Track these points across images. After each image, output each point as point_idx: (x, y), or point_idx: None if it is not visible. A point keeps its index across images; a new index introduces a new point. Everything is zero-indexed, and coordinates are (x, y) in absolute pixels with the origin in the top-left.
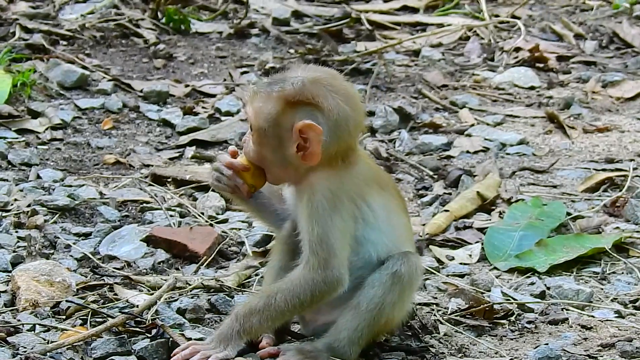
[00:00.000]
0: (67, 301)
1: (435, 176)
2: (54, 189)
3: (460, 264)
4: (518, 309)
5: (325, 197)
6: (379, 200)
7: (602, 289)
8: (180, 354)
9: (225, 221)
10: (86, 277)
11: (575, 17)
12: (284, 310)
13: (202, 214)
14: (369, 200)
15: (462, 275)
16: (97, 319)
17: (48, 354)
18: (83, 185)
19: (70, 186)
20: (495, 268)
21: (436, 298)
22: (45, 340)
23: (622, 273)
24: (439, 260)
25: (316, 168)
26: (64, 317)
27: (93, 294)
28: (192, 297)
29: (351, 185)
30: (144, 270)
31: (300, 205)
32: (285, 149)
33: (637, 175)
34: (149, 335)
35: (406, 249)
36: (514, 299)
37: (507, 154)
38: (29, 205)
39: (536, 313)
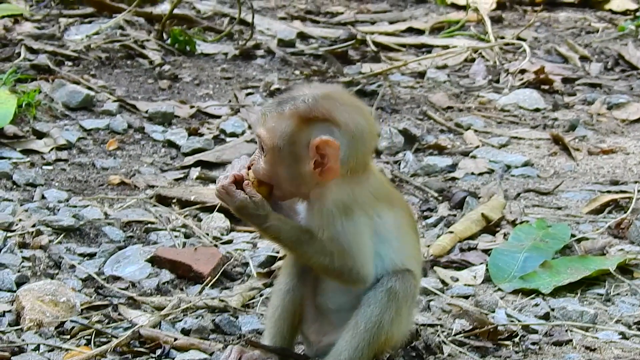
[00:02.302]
0: (71, 321)
1: (440, 198)
2: (58, 210)
3: (465, 285)
4: (522, 330)
5: (336, 206)
6: (389, 214)
7: (606, 310)
8: None
9: (229, 242)
10: (91, 297)
11: (580, 39)
12: (300, 256)
13: (207, 234)
14: (379, 213)
15: (466, 297)
16: (102, 339)
17: None
18: (88, 205)
19: (75, 206)
20: (499, 289)
21: (440, 319)
22: None
23: (627, 295)
24: (443, 282)
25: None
26: (68, 336)
27: (97, 314)
28: (196, 318)
29: (362, 195)
30: (149, 291)
31: (311, 216)
32: (301, 167)
33: None
34: (153, 356)
35: (410, 267)
36: (518, 320)
37: (512, 175)
38: (33, 226)
39: (540, 334)
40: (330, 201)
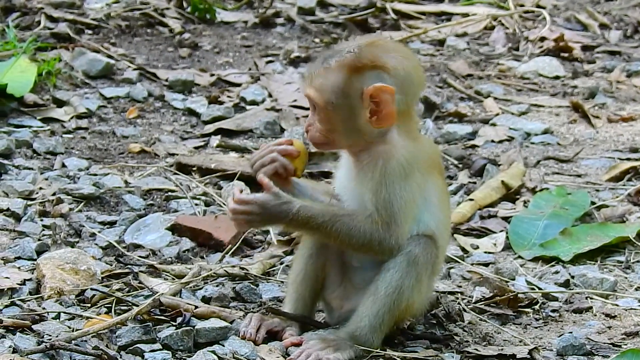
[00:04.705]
0: (92, 289)
1: (460, 165)
2: (79, 178)
3: (485, 252)
4: (542, 298)
5: (401, 164)
6: (438, 177)
7: (626, 277)
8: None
9: None
10: (111, 265)
11: (600, 6)
12: (336, 236)
13: (227, 202)
14: (432, 175)
15: (486, 264)
16: (122, 307)
17: (73, 341)
18: (108, 173)
19: (96, 175)
20: (519, 257)
21: (461, 287)
22: (70, 328)
23: None
24: (463, 249)
25: (390, 135)
26: (88, 305)
27: (118, 282)
28: (217, 286)
29: (423, 157)
30: (169, 259)
31: (368, 171)
32: (357, 118)
33: None
34: (174, 324)
35: (437, 234)
36: (539, 288)
37: (532, 143)
38: (54, 194)
39: (560, 302)
40: (396, 158)
